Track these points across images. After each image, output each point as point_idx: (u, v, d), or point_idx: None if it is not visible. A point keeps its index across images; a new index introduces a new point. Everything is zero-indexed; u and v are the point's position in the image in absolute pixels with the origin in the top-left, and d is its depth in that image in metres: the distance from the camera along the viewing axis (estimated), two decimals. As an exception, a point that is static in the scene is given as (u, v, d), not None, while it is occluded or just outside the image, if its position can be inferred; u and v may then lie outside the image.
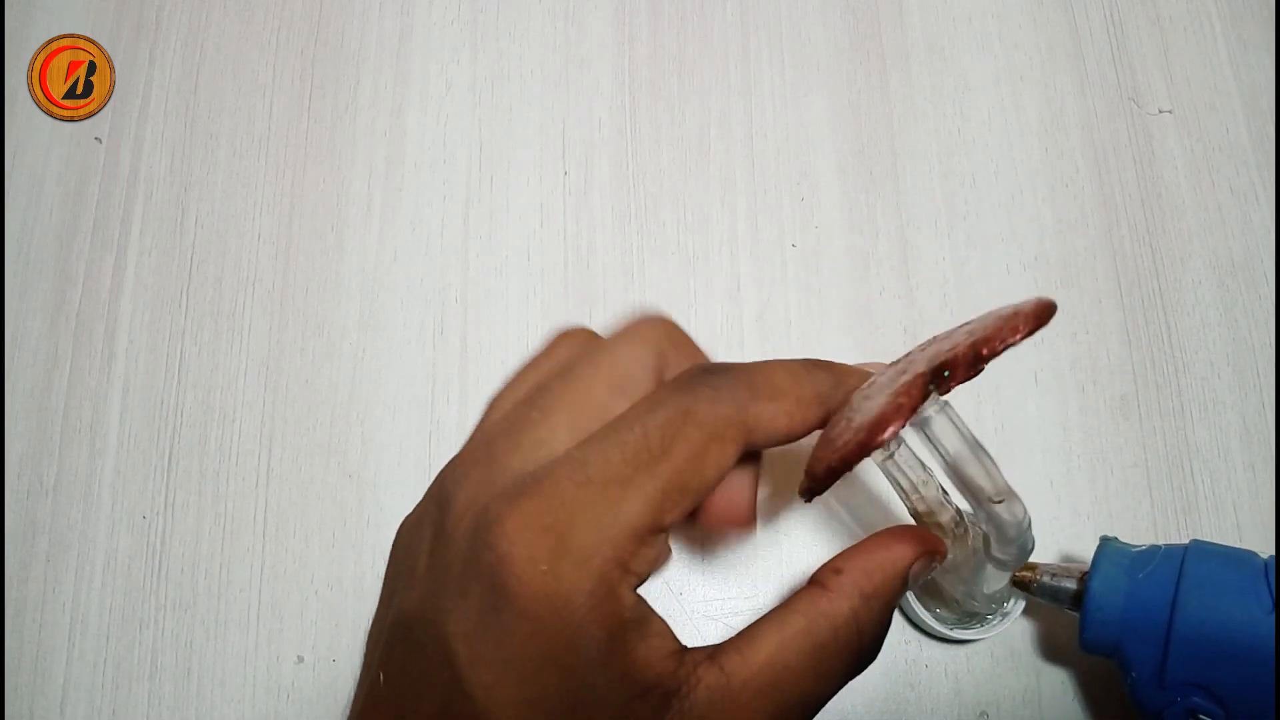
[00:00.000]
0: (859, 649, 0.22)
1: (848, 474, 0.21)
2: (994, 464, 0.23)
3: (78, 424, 0.34)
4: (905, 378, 0.21)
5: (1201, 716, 0.26)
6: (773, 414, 0.22)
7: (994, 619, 0.31)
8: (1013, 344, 0.20)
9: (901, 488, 0.26)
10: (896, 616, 0.32)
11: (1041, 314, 0.20)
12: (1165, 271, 0.36)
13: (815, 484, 0.21)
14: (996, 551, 0.25)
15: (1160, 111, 0.39)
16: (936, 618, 0.31)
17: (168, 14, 0.39)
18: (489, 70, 0.39)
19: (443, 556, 0.22)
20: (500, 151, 0.38)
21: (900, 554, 0.23)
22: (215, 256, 0.36)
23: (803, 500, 0.22)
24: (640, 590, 0.21)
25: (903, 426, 0.20)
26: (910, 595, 0.31)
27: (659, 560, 0.22)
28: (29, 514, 0.33)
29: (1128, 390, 0.35)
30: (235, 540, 0.33)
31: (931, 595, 0.31)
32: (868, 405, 0.21)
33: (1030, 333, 0.20)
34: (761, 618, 0.22)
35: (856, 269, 0.36)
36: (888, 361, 0.25)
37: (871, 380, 0.23)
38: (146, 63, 0.39)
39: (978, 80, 0.39)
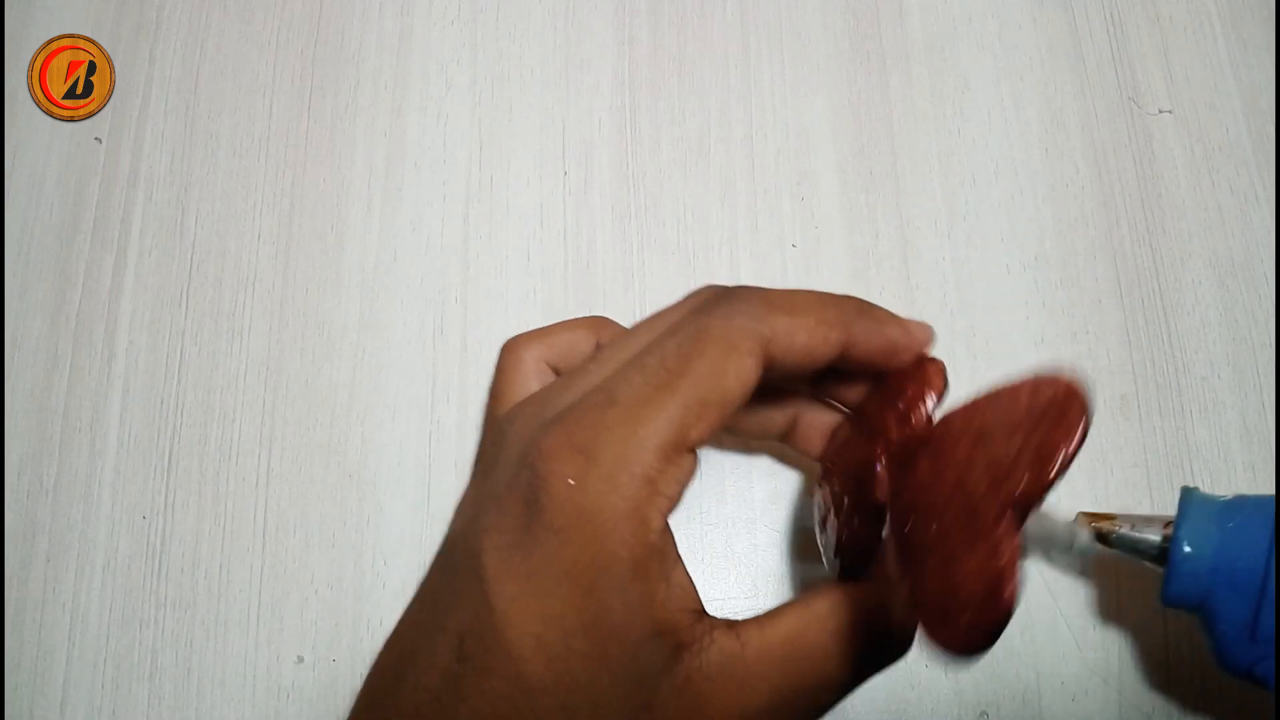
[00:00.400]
0: (887, 637, 0.22)
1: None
2: (1054, 520, 0.23)
3: (78, 424, 0.34)
4: (989, 514, 0.20)
5: None
6: (789, 327, 0.22)
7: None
8: (1076, 453, 0.20)
9: None
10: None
11: (1079, 411, 0.20)
12: (1165, 271, 0.36)
13: (961, 652, 0.20)
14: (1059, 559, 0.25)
15: (1160, 111, 0.39)
16: None
17: (168, 14, 0.39)
18: (489, 70, 0.39)
19: (490, 483, 0.23)
20: (500, 151, 0.38)
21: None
22: (215, 256, 0.36)
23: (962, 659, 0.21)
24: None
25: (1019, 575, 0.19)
26: None
27: (685, 479, 0.22)
28: (29, 514, 0.33)
29: (1128, 390, 0.35)
30: (235, 540, 0.33)
31: None
32: (963, 548, 0.20)
33: (1083, 435, 0.20)
34: (789, 601, 0.22)
35: (856, 269, 0.36)
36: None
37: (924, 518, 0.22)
38: (146, 63, 0.39)
39: (978, 80, 0.39)
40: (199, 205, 0.37)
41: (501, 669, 0.20)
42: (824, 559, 0.25)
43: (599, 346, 0.29)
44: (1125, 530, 0.28)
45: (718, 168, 0.38)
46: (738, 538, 0.33)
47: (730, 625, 0.22)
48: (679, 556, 0.22)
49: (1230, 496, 0.28)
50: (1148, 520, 0.28)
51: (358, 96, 0.38)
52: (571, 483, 0.20)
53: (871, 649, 0.22)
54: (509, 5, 0.40)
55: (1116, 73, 0.39)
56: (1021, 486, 0.20)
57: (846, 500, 0.24)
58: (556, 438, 0.21)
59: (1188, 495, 0.28)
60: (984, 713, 0.31)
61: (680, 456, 0.21)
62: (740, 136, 0.38)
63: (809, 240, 0.37)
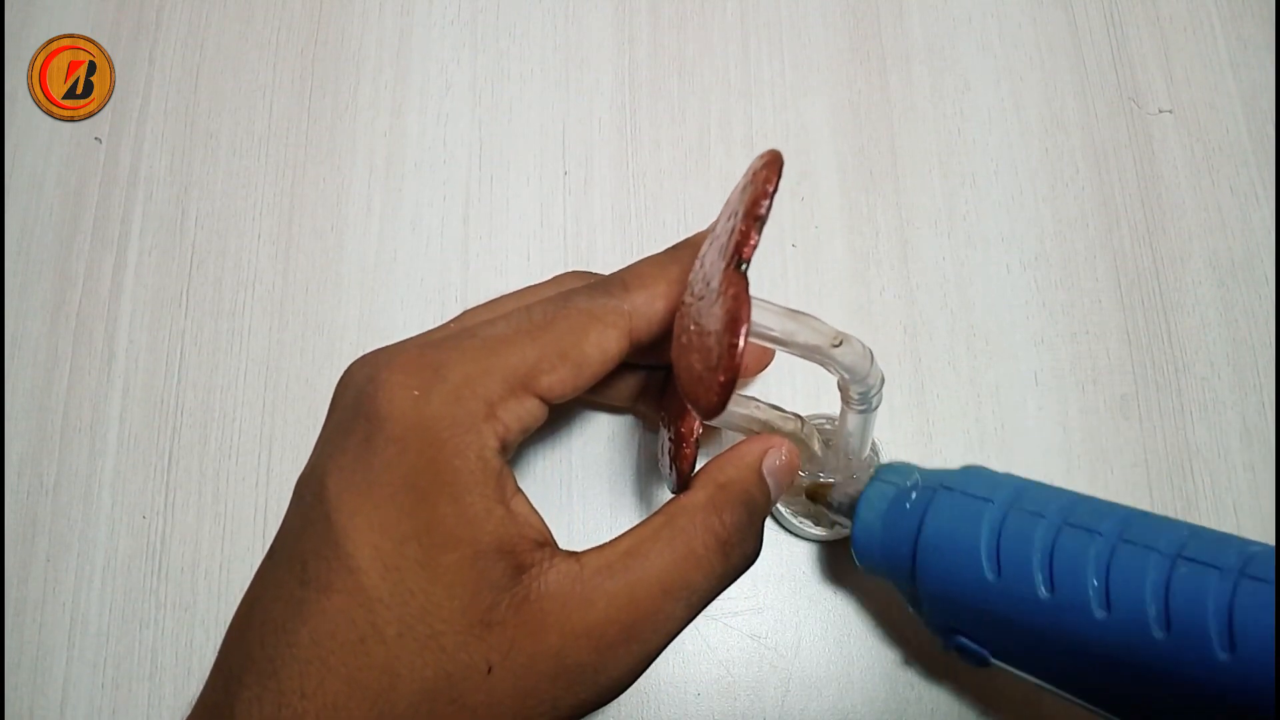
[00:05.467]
0: (721, 536, 0.22)
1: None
2: (816, 318, 0.23)
3: (78, 424, 0.34)
4: (718, 278, 0.22)
5: (968, 652, 0.26)
6: (648, 299, 0.24)
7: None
8: (773, 196, 0.21)
9: (741, 427, 0.28)
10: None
11: (773, 162, 0.22)
12: (1165, 271, 0.36)
13: (714, 406, 0.21)
14: (854, 392, 0.25)
15: (1160, 111, 0.39)
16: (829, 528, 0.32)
17: (168, 14, 0.39)
18: (489, 70, 0.39)
19: (333, 417, 0.23)
20: (500, 151, 0.38)
21: (749, 449, 0.24)
22: (215, 256, 0.36)
23: (703, 420, 0.23)
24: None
25: (751, 312, 0.21)
26: (808, 524, 0.32)
27: (527, 419, 0.22)
28: (29, 514, 0.33)
29: (1128, 390, 0.35)
30: (235, 540, 0.33)
31: (820, 512, 0.32)
32: (708, 318, 0.22)
33: (778, 179, 0.21)
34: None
35: (856, 269, 0.36)
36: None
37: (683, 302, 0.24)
38: (146, 63, 0.39)
39: (978, 80, 0.39)
40: (199, 205, 0.37)
41: (341, 584, 0.20)
42: (666, 482, 0.27)
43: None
44: (832, 500, 0.29)
45: (718, 168, 0.38)
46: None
47: (573, 553, 0.22)
48: (520, 490, 0.22)
49: (910, 481, 0.27)
50: (852, 498, 0.29)
51: (358, 96, 0.38)
52: (416, 393, 0.21)
53: (705, 544, 0.22)
54: (509, 5, 0.40)
55: (1116, 73, 0.39)
56: (737, 236, 0.21)
57: (671, 422, 0.26)
58: (408, 358, 0.22)
59: (870, 481, 0.28)
60: (984, 713, 0.31)
61: (525, 395, 0.22)
62: (740, 136, 0.38)
63: (809, 240, 0.37)
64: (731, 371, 0.20)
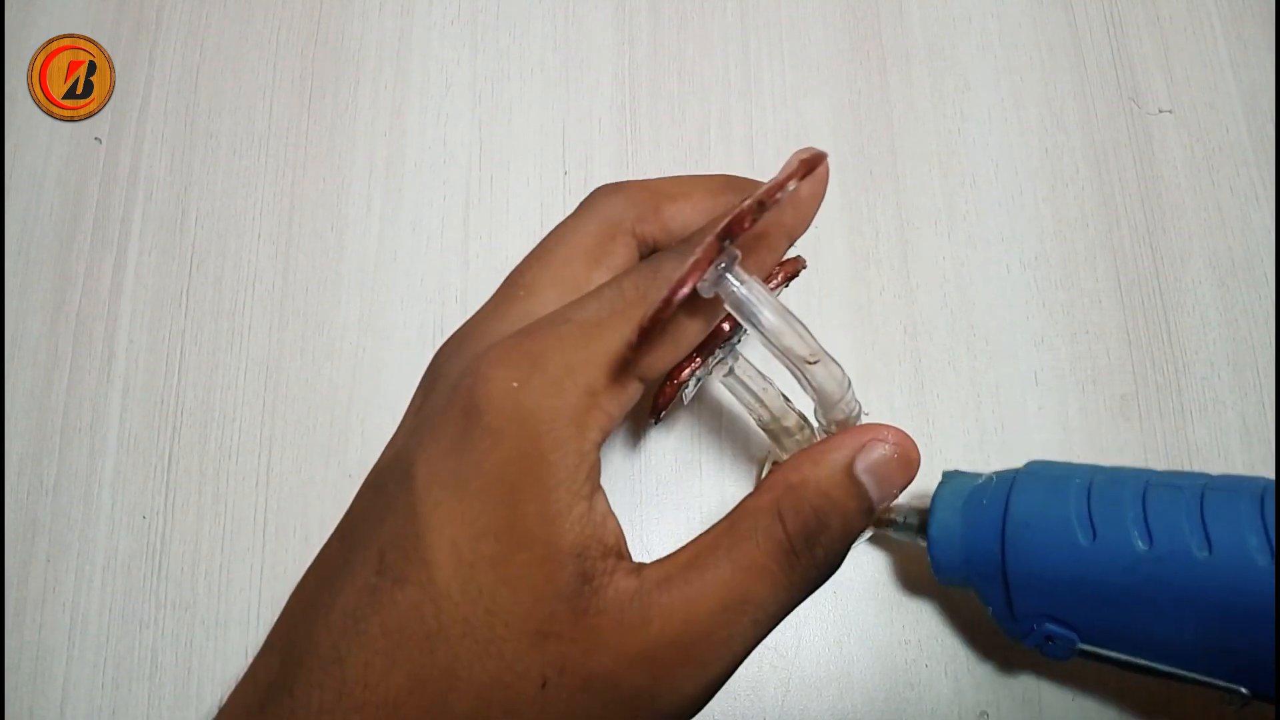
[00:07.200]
0: (783, 543, 0.20)
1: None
2: (805, 329, 0.22)
3: (78, 424, 0.34)
4: (702, 238, 0.21)
5: (1057, 639, 0.26)
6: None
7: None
8: (788, 190, 0.20)
9: (746, 401, 0.28)
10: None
11: (810, 163, 0.20)
12: (1165, 271, 0.36)
13: (640, 346, 0.21)
14: (824, 419, 0.24)
15: (1160, 111, 0.39)
16: None
17: (168, 14, 0.39)
18: (489, 70, 0.39)
19: (427, 405, 0.22)
20: (500, 151, 0.38)
21: (839, 443, 0.21)
22: (215, 256, 0.36)
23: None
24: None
25: (699, 281, 0.20)
26: None
27: (628, 404, 0.21)
28: (29, 514, 0.33)
29: (1128, 390, 0.35)
30: (235, 540, 0.33)
31: None
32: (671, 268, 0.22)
33: (801, 178, 0.20)
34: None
35: (856, 269, 0.36)
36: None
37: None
38: (146, 63, 0.39)
39: (978, 80, 0.39)
40: (199, 205, 0.37)
41: (415, 576, 0.19)
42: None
43: (520, 268, 0.28)
44: (900, 520, 0.30)
45: (718, 168, 0.38)
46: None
47: (636, 566, 0.21)
48: (601, 488, 0.21)
49: (983, 478, 0.28)
50: (917, 509, 0.29)
51: (358, 96, 0.38)
52: (515, 385, 0.20)
53: (768, 553, 0.20)
54: (509, 5, 0.40)
55: (1116, 73, 0.39)
56: (737, 212, 0.20)
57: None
58: (505, 348, 0.21)
59: (941, 484, 0.29)
60: (984, 713, 0.31)
61: (627, 380, 0.21)
62: (740, 136, 0.38)
63: (809, 240, 0.37)
64: (654, 321, 0.20)
